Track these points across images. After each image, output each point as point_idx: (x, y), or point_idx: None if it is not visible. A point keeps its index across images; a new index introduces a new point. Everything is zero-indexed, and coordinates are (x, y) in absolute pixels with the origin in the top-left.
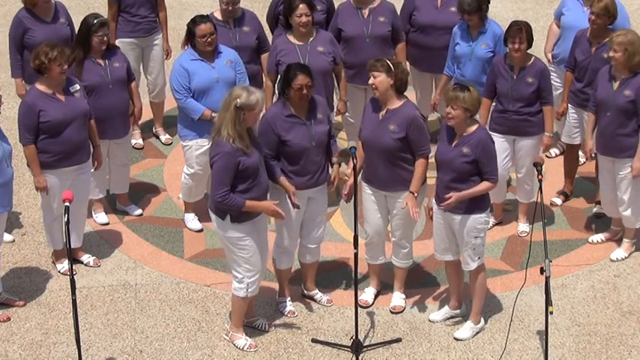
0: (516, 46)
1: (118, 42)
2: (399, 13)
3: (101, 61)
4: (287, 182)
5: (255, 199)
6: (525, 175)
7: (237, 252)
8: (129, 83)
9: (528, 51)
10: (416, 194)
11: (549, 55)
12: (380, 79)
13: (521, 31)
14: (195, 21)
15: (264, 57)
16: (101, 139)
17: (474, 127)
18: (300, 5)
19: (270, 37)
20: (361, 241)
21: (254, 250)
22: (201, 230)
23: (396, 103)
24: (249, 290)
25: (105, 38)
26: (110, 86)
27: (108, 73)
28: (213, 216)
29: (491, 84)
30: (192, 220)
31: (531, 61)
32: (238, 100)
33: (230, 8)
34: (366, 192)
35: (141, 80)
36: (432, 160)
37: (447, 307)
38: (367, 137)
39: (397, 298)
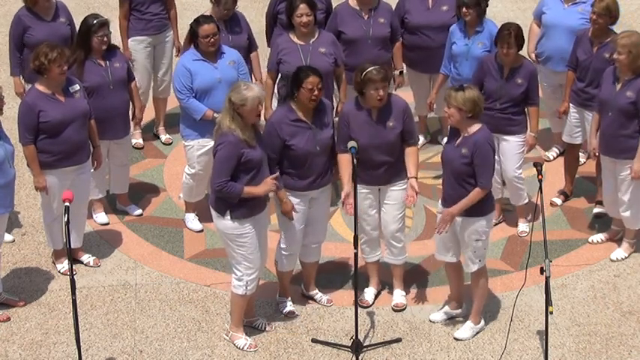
0: (504, 50)
1: (130, 40)
2: None
3: (102, 62)
4: (286, 198)
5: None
6: (512, 177)
7: (237, 249)
8: (129, 83)
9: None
10: (417, 178)
11: (533, 56)
12: (386, 90)
13: (510, 35)
14: (198, 21)
15: (254, 56)
16: (101, 139)
17: (475, 128)
18: (301, 5)
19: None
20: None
21: (253, 247)
22: (201, 230)
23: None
24: (248, 288)
25: (105, 39)
26: (111, 87)
27: (109, 73)
28: (213, 212)
29: (478, 80)
30: (192, 220)
31: (521, 62)
32: (232, 94)
33: (231, 14)
34: (361, 192)
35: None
36: (432, 160)
37: (447, 307)
38: (367, 143)
39: (398, 295)
